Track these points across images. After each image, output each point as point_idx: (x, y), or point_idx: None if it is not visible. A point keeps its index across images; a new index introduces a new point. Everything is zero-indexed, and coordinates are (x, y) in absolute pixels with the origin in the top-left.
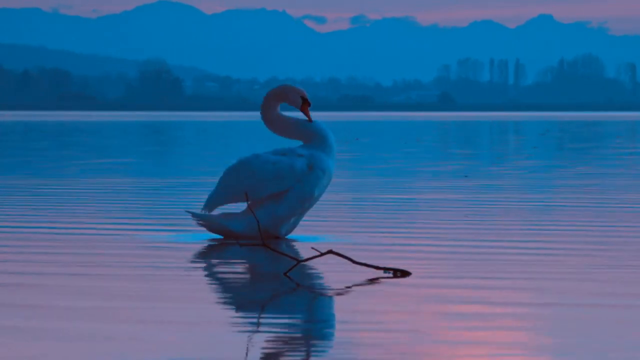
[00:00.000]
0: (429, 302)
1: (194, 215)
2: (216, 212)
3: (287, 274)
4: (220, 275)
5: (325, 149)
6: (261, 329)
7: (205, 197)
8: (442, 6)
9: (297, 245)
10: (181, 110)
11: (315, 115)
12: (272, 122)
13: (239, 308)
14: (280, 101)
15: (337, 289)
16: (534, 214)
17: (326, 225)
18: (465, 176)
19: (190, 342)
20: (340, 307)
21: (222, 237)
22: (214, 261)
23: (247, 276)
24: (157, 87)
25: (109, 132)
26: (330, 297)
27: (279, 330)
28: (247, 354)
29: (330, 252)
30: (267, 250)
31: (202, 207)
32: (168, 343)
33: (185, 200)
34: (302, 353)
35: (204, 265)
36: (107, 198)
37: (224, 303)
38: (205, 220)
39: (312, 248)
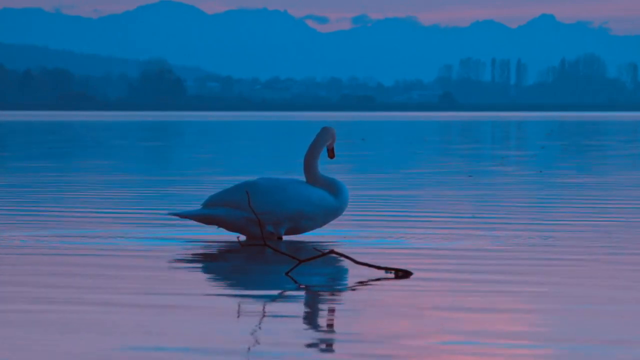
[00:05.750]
0: (430, 302)
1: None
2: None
3: (289, 274)
4: (221, 275)
5: (337, 202)
6: (262, 329)
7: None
8: (443, 6)
9: (299, 245)
10: (183, 110)
11: (315, 115)
12: (312, 174)
13: (240, 308)
14: (330, 138)
15: (338, 289)
16: (537, 214)
17: (327, 225)
18: (469, 176)
19: (191, 341)
20: (342, 306)
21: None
22: (215, 261)
23: (249, 276)
24: (159, 87)
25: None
26: (332, 297)
27: (280, 330)
28: (248, 353)
29: (331, 252)
30: (269, 250)
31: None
32: (168, 342)
33: (185, 200)
34: (304, 353)
35: (205, 265)
36: (101, 197)
37: (225, 303)
38: (189, 215)
39: (314, 248)
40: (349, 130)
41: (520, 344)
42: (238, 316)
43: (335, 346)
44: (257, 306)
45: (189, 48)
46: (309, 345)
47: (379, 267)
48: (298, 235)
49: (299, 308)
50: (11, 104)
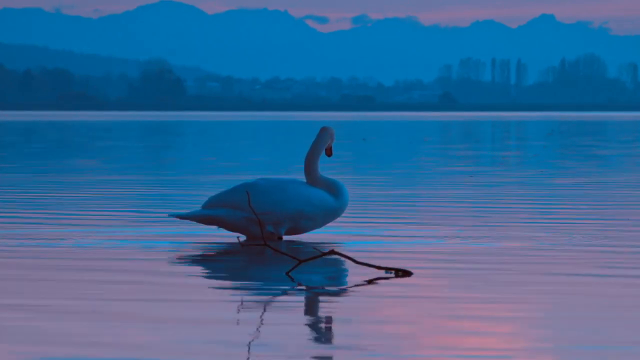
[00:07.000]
0: (430, 302)
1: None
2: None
3: (289, 274)
4: (222, 275)
5: (337, 203)
6: (262, 329)
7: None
8: (444, 6)
9: (299, 245)
10: (183, 110)
11: (315, 115)
12: (312, 174)
13: (241, 307)
14: (330, 138)
15: (338, 289)
16: (538, 214)
17: (328, 225)
18: (471, 176)
19: (192, 341)
20: (342, 306)
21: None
22: (216, 261)
23: (249, 276)
24: (159, 87)
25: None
26: (332, 296)
27: (280, 329)
28: (248, 353)
29: (332, 251)
30: (269, 250)
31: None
32: (170, 341)
33: (186, 200)
34: (303, 353)
35: (206, 265)
36: (101, 198)
37: (226, 303)
38: (189, 217)
39: (314, 248)
40: (350, 130)
41: (521, 343)
42: (238, 316)
43: (335, 346)
44: (257, 306)
45: (189, 48)
46: (309, 346)
47: (379, 267)
48: (298, 235)
49: (299, 308)
50: (11, 104)
